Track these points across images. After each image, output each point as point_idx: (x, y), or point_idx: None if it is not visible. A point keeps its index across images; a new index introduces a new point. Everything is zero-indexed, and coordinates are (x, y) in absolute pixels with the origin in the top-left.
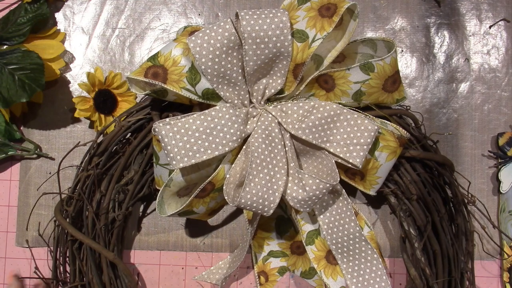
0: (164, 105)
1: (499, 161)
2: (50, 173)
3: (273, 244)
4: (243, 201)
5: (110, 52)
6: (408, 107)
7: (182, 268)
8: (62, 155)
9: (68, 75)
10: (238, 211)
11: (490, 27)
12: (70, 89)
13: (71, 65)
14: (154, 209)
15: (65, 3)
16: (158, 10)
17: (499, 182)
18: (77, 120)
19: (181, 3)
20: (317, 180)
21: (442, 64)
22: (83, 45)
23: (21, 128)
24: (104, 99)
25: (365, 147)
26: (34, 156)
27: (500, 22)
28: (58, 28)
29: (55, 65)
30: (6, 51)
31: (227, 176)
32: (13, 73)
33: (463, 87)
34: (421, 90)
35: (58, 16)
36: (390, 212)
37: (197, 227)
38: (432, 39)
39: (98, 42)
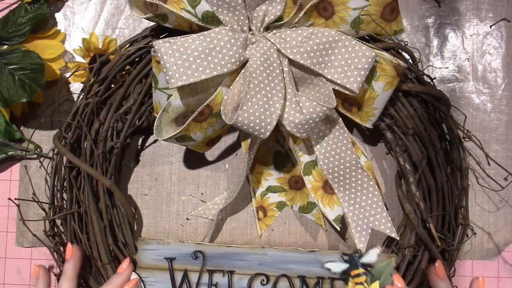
0: (164, 36)
1: None
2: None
3: (271, 179)
4: (240, 119)
5: None
6: (406, 43)
7: None
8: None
9: (68, 75)
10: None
11: (490, 26)
12: (70, 89)
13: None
14: (153, 142)
15: (65, 3)
16: None
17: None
18: None
19: None
20: (314, 103)
21: (442, 64)
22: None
23: (21, 128)
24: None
25: (362, 72)
26: (34, 156)
27: (500, 22)
28: (58, 28)
29: (55, 65)
30: (6, 51)
31: (225, 97)
32: (13, 73)
33: (463, 87)
34: None
35: (58, 16)
36: (387, 153)
37: (197, 227)
38: (432, 39)
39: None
